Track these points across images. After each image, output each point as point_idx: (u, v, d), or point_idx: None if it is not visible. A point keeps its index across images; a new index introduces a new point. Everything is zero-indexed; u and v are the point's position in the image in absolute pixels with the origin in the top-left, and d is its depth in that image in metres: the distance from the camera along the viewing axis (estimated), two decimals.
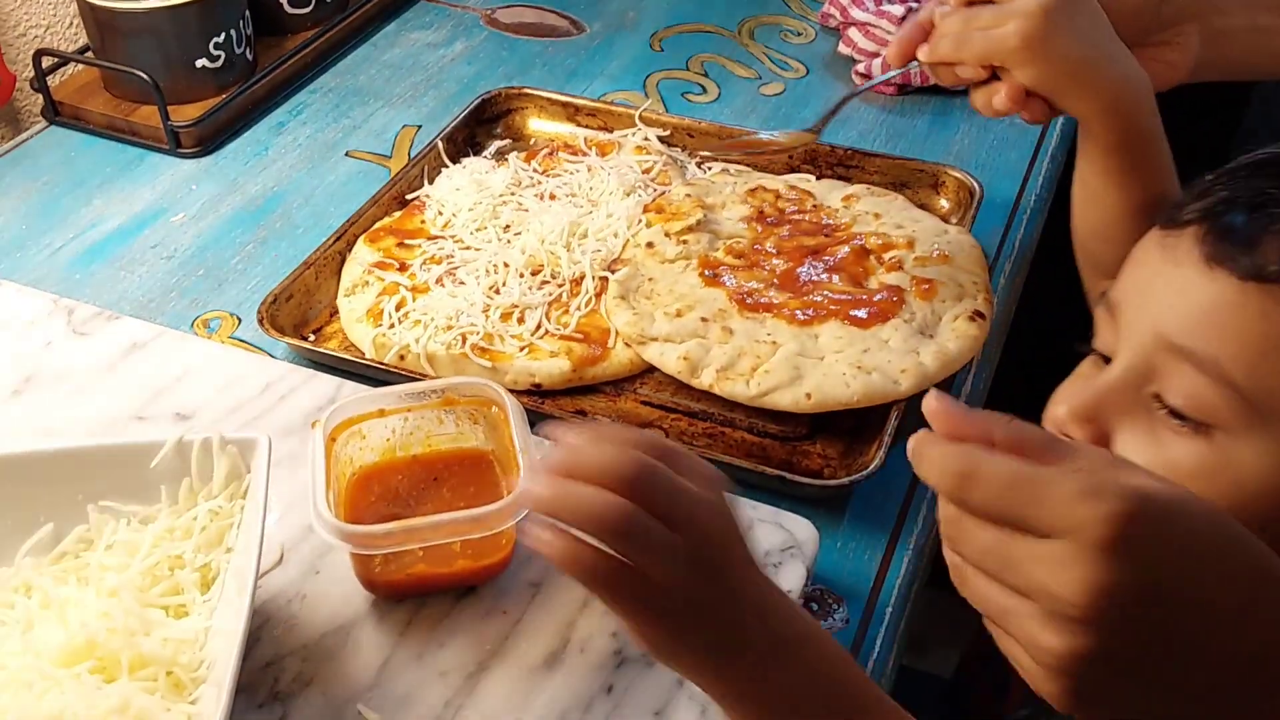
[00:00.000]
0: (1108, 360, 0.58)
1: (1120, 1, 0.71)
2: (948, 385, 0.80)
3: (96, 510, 0.59)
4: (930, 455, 0.42)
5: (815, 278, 0.82)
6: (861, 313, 0.78)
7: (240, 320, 0.85)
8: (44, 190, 0.98)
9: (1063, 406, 0.58)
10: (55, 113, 1.05)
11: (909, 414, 0.74)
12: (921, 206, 0.93)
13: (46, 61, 1.04)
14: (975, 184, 0.92)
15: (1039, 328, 1.21)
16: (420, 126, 1.07)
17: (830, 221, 0.88)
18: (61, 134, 1.05)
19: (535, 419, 0.73)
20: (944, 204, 0.94)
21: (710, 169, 0.99)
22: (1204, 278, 0.54)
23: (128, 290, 0.88)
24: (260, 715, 0.55)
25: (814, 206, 0.91)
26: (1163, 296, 0.55)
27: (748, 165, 0.99)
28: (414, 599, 0.61)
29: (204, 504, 0.59)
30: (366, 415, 0.64)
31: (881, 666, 0.63)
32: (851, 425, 0.76)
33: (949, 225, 0.88)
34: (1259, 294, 0.52)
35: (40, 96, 1.05)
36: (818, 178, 0.96)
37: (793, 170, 0.98)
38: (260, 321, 0.79)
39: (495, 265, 0.85)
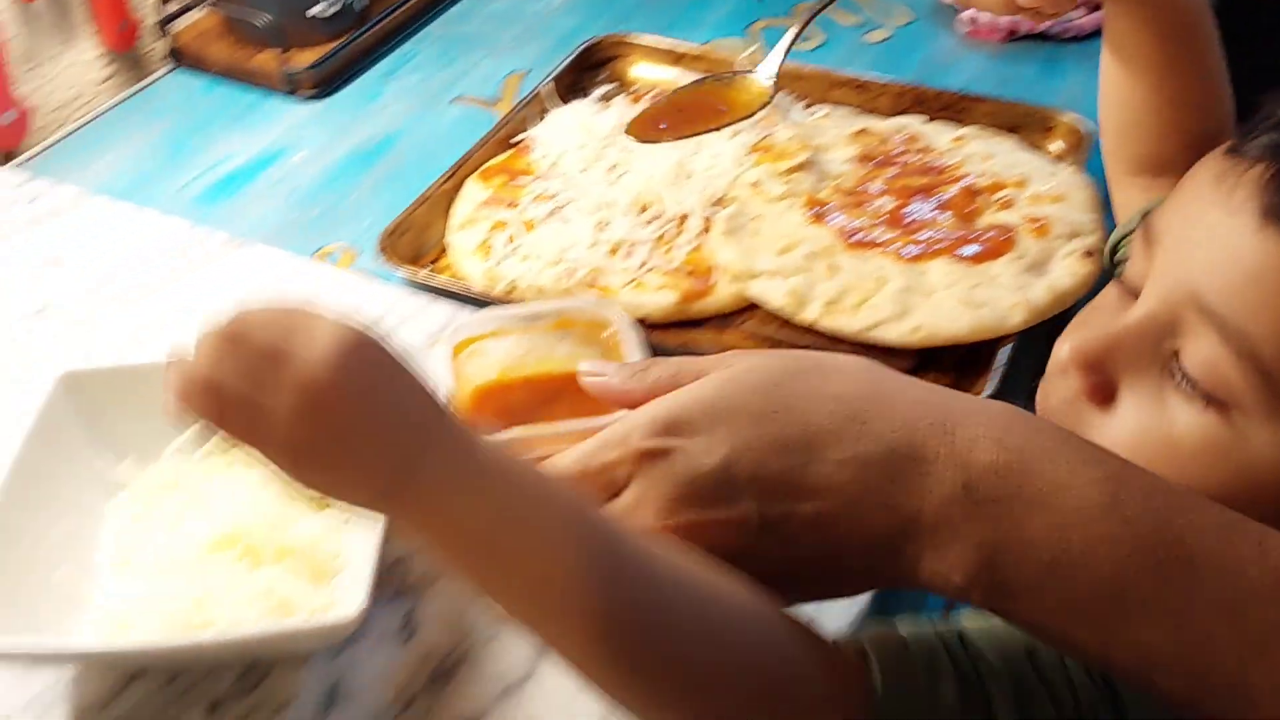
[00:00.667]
0: (1135, 296, 0.49)
1: None
2: (1058, 325, 0.80)
3: None
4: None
5: (923, 216, 0.82)
6: (971, 249, 0.78)
7: (359, 253, 0.88)
8: (169, 131, 1.02)
9: (1067, 345, 0.49)
10: (179, 57, 1.09)
11: (1020, 351, 0.74)
12: (1034, 148, 0.92)
13: (171, 6, 1.08)
14: (1086, 127, 0.91)
15: None
16: (527, 72, 1.09)
17: (939, 162, 0.88)
18: (183, 77, 1.09)
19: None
20: (1056, 146, 0.93)
21: (816, 112, 0.99)
22: (1257, 234, 0.44)
23: (252, 223, 0.91)
24: (391, 607, 0.58)
25: (922, 148, 0.91)
26: (1204, 244, 0.46)
27: (853, 107, 0.99)
28: None
29: None
30: (485, 334, 0.66)
31: None
32: (957, 361, 0.76)
33: (1061, 166, 0.88)
34: (1250, 230, 0.44)
35: (164, 41, 1.09)
36: (927, 120, 0.96)
37: (901, 113, 0.98)
38: (380, 251, 0.82)
39: (602, 203, 0.87)
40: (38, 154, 0.98)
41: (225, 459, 0.61)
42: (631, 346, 0.63)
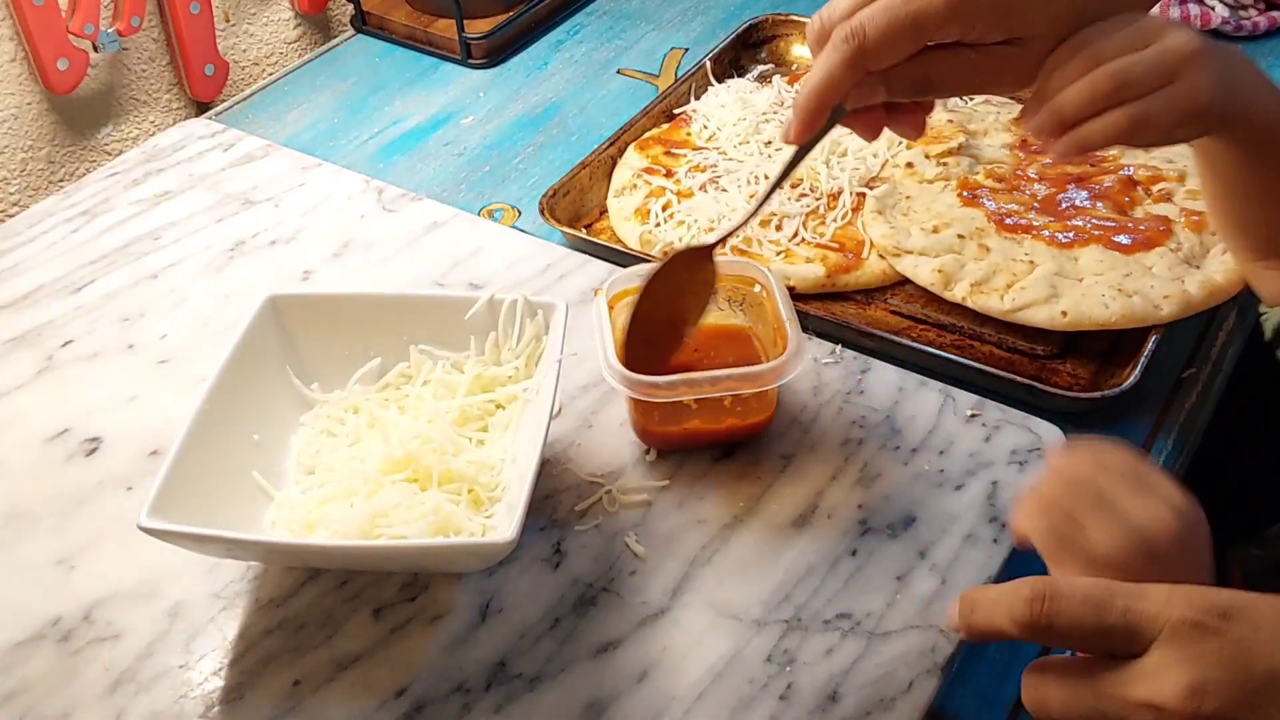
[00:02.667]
0: None
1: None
2: (1208, 319, 0.79)
3: (416, 351, 0.67)
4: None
5: (1078, 204, 0.82)
6: (1125, 239, 0.78)
7: (520, 212, 0.93)
8: (352, 90, 1.09)
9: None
10: (363, 22, 1.16)
11: (1168, 341, 0.74)
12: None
13: None
14: None
15: None
16: (688, 49, 1.12)
17: (1096, 153, 0.88)
18: (367, 41, 1.16)
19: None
20: None
21: (971, 99, 1.00)
22: None
23: (423, 180, 0.97)
24: (542, 536, 0.62)
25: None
26: None
27: (1013, 96, 0.99)
28: (674, 456, 0.67)
29: (510, 360, 0.66)
30: (635, 289, 0.69)
31: None
32: (1104, 349, 0.76)
33: None
34: None
35: (350, 6, 1.16)
36: None
37: None
38: (541, 211, 0.87)
39: (756, 176, 0.90)
40: (232, 106, 1.06)
41: (400, 393, 0.66)
42: (779, 299, 0.66)
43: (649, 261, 0.83)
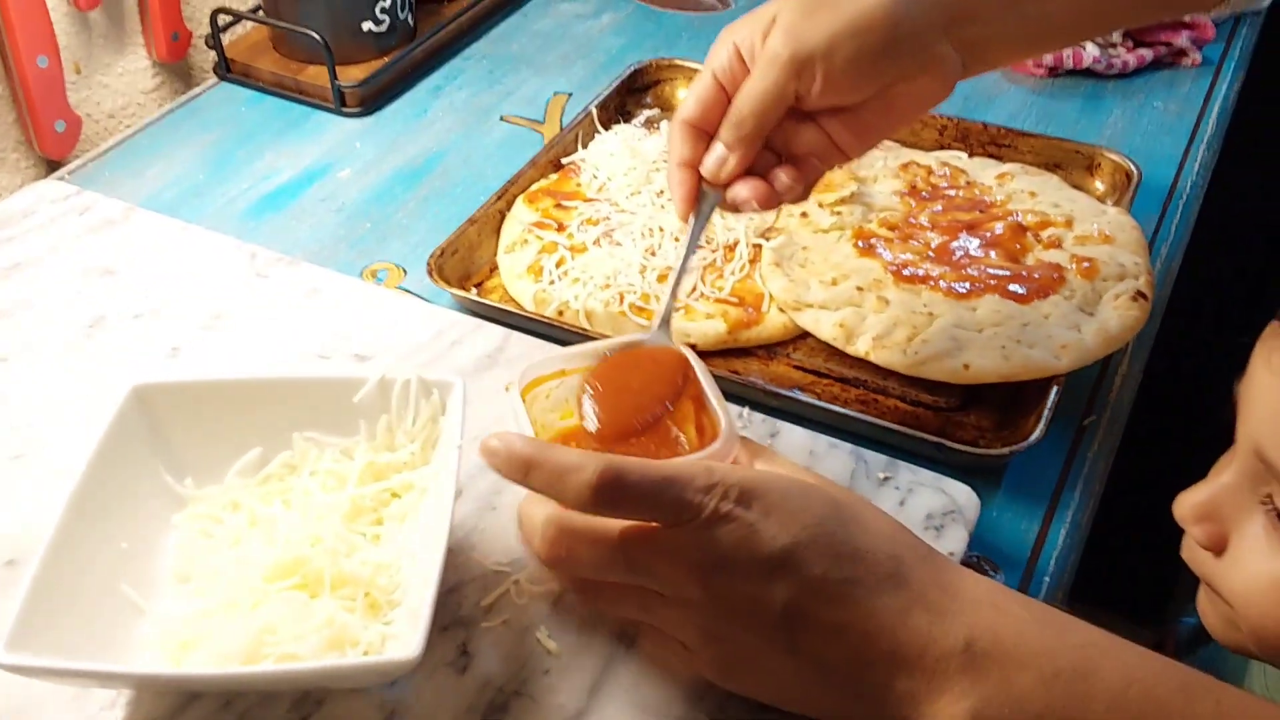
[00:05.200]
0: None
1: (838, 68, 0.58)
2: (1105, 365, 0.80)
3: (301, 439, 0.62)
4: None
5: (971, 252, 0.83)
6: (1020, 288, 0.78)
7: (406, 272, 0.89)
8: (218, 143, 1.03)
9: (1182, 506, 0.55)
10: (227, 69, 1.10)
11: (1066, 390, 0.74)
12: (1076, 188, 0.92)
13: (222, 19, 1.09)
14: (1133, 167, 0.91)
15: (1193, 315, 1.19)
16: (571, 94, 1.10)
17: (984, 198, 0.89)
18: (232, 90, 1.10)
19: None
20: (1099, 186, 0.94)
21: None
22: None
23: (299, 239, 0.92)
24: (445, 637, 0.58)
25: (967, 183, 0.91)
26: (1258, 402, 0.51)
27: (897, 142, 0.99)
28: None
29: (404, 444, 0.62)
30: (551, 375, 0.65)
31: None
32: (1004, 399, 0.76)
33: (1107, 206, 0.88)
34: None
35: (214, 53, 1.10)
36: (969, 155, 0.96)
37: (943, 148, 0.98)
38: (429, 273, 0.82)
39: (650, 229, 0.87)
40: (87, 163, 0.99)
41: (284, 485, 0.62)
42: (702, 378, 0.63)
43: (543, 323, 0.80)
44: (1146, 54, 1.10)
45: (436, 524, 0.55)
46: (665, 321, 0.65)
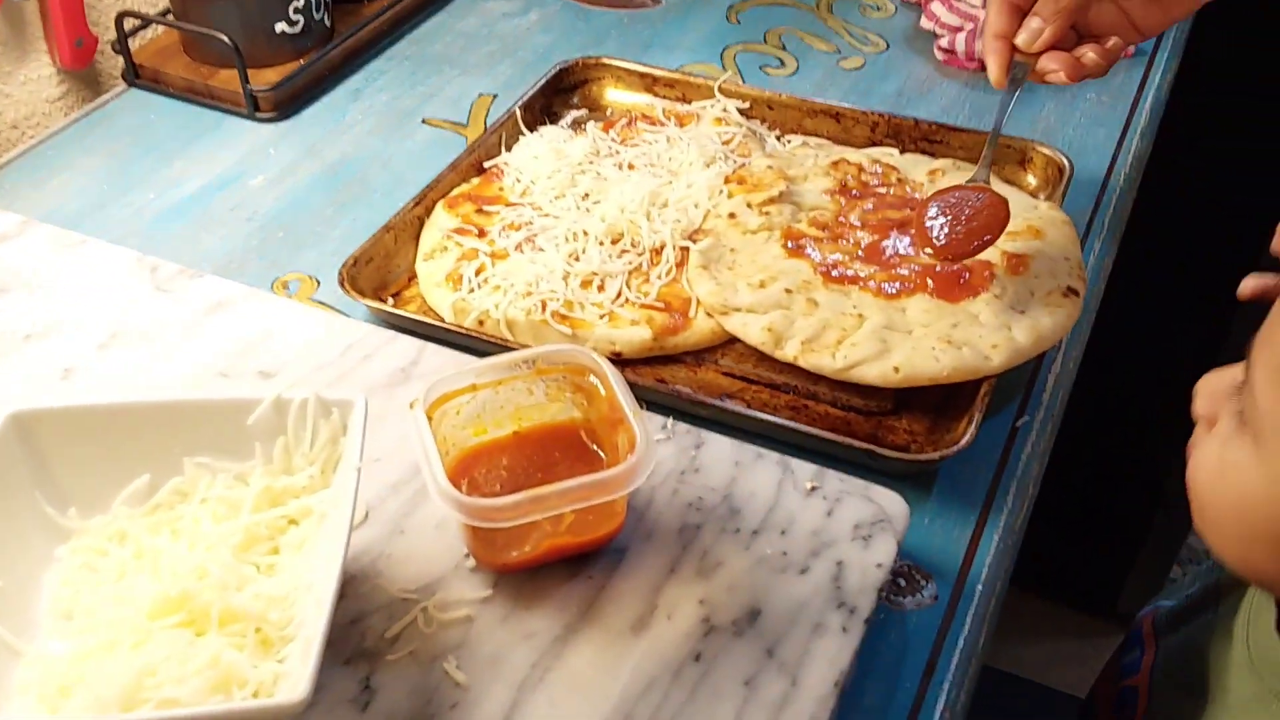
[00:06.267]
0: None
1: None
2: (1036, 363, 0.78)
3: (192, 464, 0.59)
4: None
5: (901, 251, 0.80)
6: (950, 287, 0.76)
7: (319, 282, 0.85)
8: (125, 151, 0.99)
9: (1200, 381, 0.57)
10: (135, 75, 1.06)
11: (999, 390, 0.72)
12: (1008, 183, 0.91)
13: (128, 24, 1.04)
14: (1065, 161, 0.90)
15: (1126, 309, 1.18)
16: (496, 95, 1.07)
17: (916, 195, 0.86)
18: (141, 96, 1.05)
19: None
20: (1031, 180, 0.92)
21: (790, 141, 0.98)
22: None
23: (208, 250, 0.88)
24: (346, 671, 0.55)
25: (898, 180, 0.89)
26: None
27: (829, 139, 0.97)
28: None
29: (303, 467, 0.59)
30: (460, 391, 0.62)
31: (972, 646, 0.62)
32: (937, 401, 0.74)
33: (1039, 201, 0.86)
34: None
35: (121, 59, 1.05)
36: (901, 152, 0.94)
37: (875, 144, 0.96)
38: (341, 283, 0.79)
39: (575, 233, 0.85)
40: None
41: (173, 514, 0.58)
42: (618, 390, 0.60)
43: (462, 334, 0.77)
44: None
45: (334, 552, 0.52)
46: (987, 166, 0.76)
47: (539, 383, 0.64)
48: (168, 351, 0.73)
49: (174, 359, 0.73)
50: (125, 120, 1.03)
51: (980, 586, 0.64)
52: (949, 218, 0.73)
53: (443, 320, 0.79)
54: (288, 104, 1.04)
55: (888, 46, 1.14)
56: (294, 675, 0.48)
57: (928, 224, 0.73)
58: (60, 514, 0.57)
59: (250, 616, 0.52)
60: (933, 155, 0.94)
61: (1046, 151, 0.91)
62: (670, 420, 0.69)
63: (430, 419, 0.60)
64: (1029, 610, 1.57)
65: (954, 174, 0.89)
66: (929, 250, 0.73)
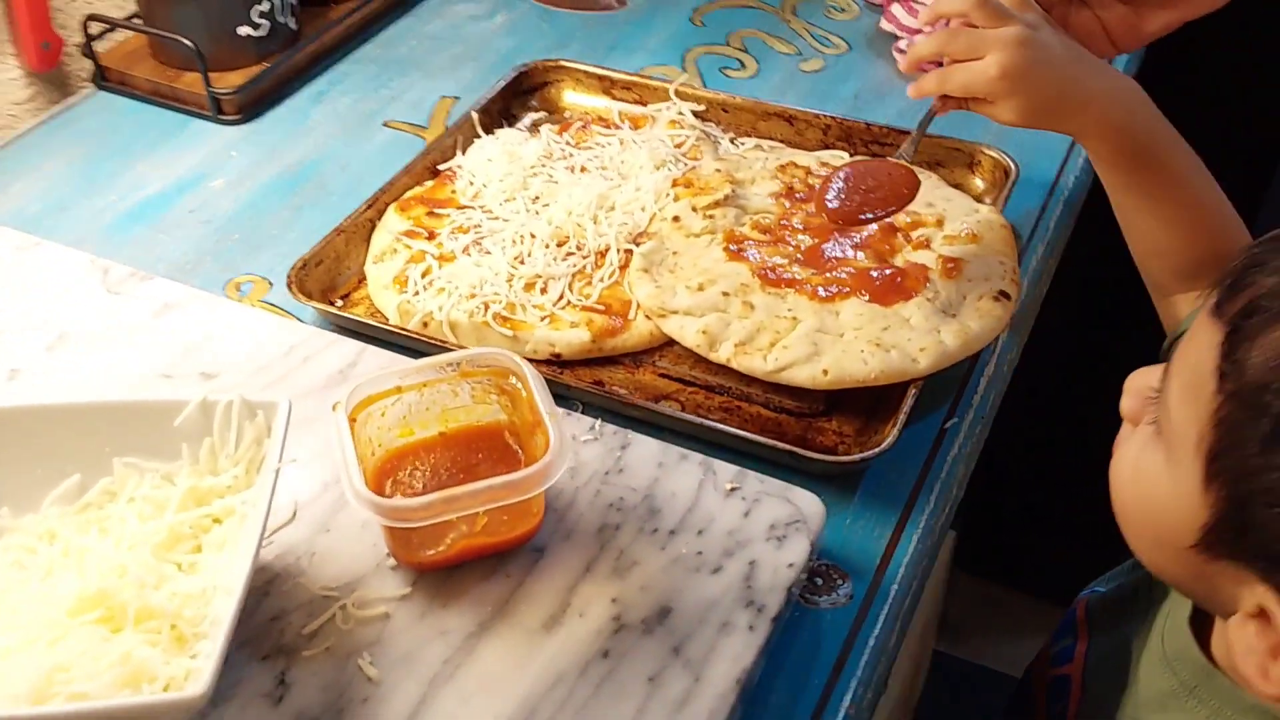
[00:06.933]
0: None
1: None
2: (970, 365, 0.79)
3: (121, 464, 0.60)
4: None
5: (841, 254, 0.81)
6: (884, 291, 0.77)
7: (272, 284, 0.87)
8: (90, 154, 1.00)
9: (1130, 376, 0.60)
10: (102, 78, 1.07)
11: (931, 392, 0.73)
12: (956, 186, 0.92)
13: (95, 27, 1.06)
14: (1010, 163, 0.91)
15: (1073, 310, 1.19)
16: (458, 98, 1.08)
17: None
18: (108, 99, 1.07)
19: (553, 389, 0.74)
20: (979, 183, 0.93)
21: (744, 144, 0.99)
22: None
23: (165, 252, 0.90)
24: (264, 667, 0.57)
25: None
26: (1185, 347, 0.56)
27: (782, 142, 0.98)
28: None
29: (228, 468, 0.60)
30: (385, 393, 0.64)
31: (882, 644, 0.63)
32: (869, 404, 0.75)
33: (981, 205, 0.87)
34: (1207, 325, 0.51)
35: (88, 62, 1.07)
36: (851, 155, 0.95)
37: (827, 147, 0.97)
38: (289, 286, 0.80)
39: (522, 236, 0.86)
40: None
41: (102, 513, 0.59)
42: (536, 392, 0.62)
43: (404, 336, 0.78)
44: None
45: (247, 550, 0.53)
46: (913, 145, 0.79)
47: (464, 385, 0.65)
48: (114, 353, 0.75)
49: (120, 361, 0.74)
50: (91, 123, 1.04)
51: (895, 586, 0.65)
52: (849, 185, 0.75)
53: (389, 322, 0.80)
54: (251, 106, 1.05)
55: (849, 49, 1.15)
56: (204, 671, 0.50)
57: (829, 187, 0.76)
58: None
59: (166, 614, 0.53)
60: (884, 158, 0.94)
61: (993, 154, 0.92)
62: (598, 422, 0.70)
63: (355, 421, 0.62)
64: (1013, 604, 1.59)
65: None
66: (823, 213, 0.76)
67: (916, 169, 0.91)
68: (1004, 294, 0.77)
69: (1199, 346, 0.51)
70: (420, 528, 0.58)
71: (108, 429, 0.60)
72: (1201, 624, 0.60)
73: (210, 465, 0.60)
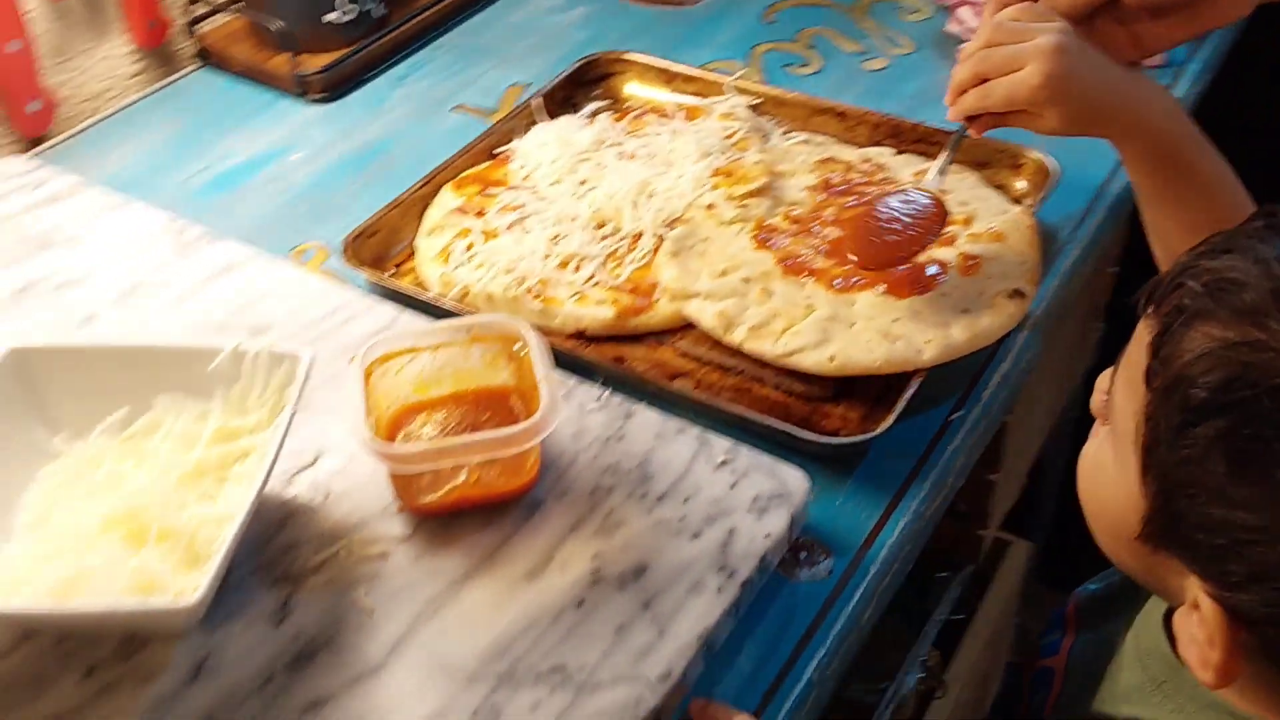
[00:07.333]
0: None
1: None
2: (986, 361, 0.80)
3: (162, 402, 0.67)
4: None
5: None
6: (901, 284, 0.79)
7: (331, 252, 0.93)
8: (185, 125, 1.09)
9: (1101, 376, 0.61)
10: (203, 57, 1.16)
11: (930, 384, 0.75)
12: (999, 187, 0.92)
13: (199, 8, 1.14)
14: (1053, 165, 0.91)
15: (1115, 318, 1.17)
16: (528, 85, 1.13)
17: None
18: (207, 76, 1.15)
19: (575, 362, 0.78)
20: (1021, 185, 0.93)
21: (793, 138, 1.01)
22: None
23: (240, 218, 0.97)
24: (271, 591, 0.62)
25: (883, 179, 0.92)
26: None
27: (832, 137, 1.00)
28: None
29: (254, 410, 0.66)
30: (401, 351, 0.69)
31: (855, 619, 0.65)
32: (878, 392, 0.77)
33: (1013, 205, 0.88)
34: (1144, 324, 0.53)
35: (192, 41, 1.16)
36: (898, 152, 0.97)
37: (876, 144, 0.99)
38: (343, 253, 0.86)
39: (563, 217, 0.90)
40: (59, 143, 1.05)
41: (144, 443, 0.66)
42: (536, 357, 0.66)
43: (443, 307, 0.83)
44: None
45: (256, 482, 0.59)
46: (940, 173, 0.80)
47: (475, 349, 0.70)
48: (178, 305, 0.82)
49: (182, 312, 0.81)
50: (190, 97, 1.13)
51: (875, 566, 0.67)
52: (876, 231, 0.77)
53: (424, 293, 0.85)
54: (334, 87, 1.12)
55: (915, 49, 1.15)
56: (200, 585, 0.56)
57: (858, 236, 0.78)
58: (48, 438, 0.66)
59: (182, 534, 0.59)
60: (929, 157, 0.96)
61: (1036, 156, 0.93)
62: (606, 392, 0.74)
63: (372, 374, 0.67)
64: None
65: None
66: (853, 259, 0.78)
67: (956, 165, 0.92)
68: (1019, 292, 0.78)
69: (1136, 346, 0.53)
70: (420, 475, 0.63)
71: (153, 370, 0.67)
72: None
73: (239, 407, 0.66)
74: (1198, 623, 0.51)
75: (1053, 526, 1.51)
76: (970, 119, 0.76)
